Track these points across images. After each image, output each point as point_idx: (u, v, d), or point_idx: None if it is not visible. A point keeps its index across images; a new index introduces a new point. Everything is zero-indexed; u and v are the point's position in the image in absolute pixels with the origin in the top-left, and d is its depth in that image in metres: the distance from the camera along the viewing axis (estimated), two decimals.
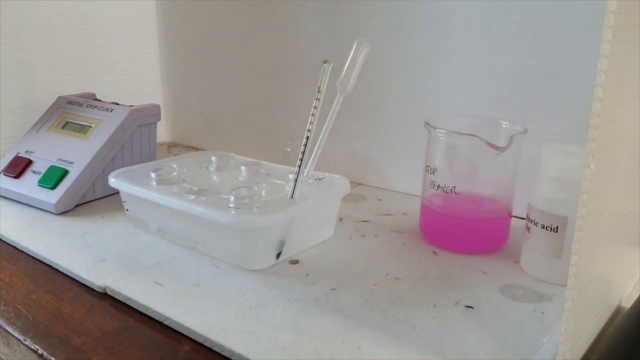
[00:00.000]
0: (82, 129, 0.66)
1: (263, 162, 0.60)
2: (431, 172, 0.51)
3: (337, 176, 0.54)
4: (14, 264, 0.50)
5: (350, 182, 0.54)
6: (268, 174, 0.57)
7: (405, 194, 0.67)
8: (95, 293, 0.45)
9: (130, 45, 0.85)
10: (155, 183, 0.54)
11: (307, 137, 0.49)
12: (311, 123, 0.49)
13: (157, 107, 0.69)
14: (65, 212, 0.60)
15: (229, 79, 0.83)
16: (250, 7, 0.77)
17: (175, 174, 0.55)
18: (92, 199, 0.63)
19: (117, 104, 0.69)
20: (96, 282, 0.45)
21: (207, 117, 0.88)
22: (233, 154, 0.63)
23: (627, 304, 0.41)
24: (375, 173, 0.70)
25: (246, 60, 0.80)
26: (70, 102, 0.70)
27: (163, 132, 0.93)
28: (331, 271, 0.47)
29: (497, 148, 0.46)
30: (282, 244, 0.48)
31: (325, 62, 0.48)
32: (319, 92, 0.48)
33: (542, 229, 0.44)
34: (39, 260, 0.50)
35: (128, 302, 0.43)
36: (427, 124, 0.51)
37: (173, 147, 0.91)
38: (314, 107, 0.48)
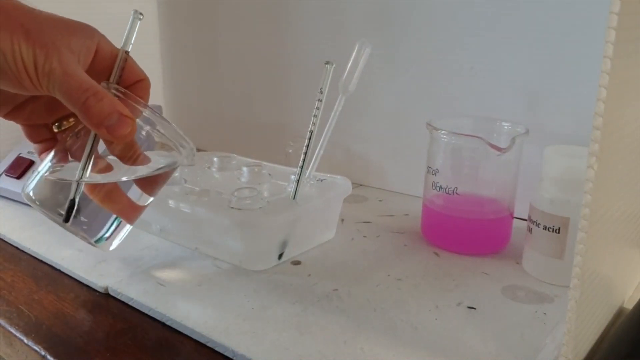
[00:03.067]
0: None
1: (265, 163, 0.60)
2: (433, 173, 0.51)
3: (339, 177, 0.54)
4: (16, 265, 0.50)
5: (352, 183, 0.54)
6: (269, 174, 0.57)
7: (406, 195, 0.67)
8: (97, 294, 0.45)
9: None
10: None
11: (309, 138, 0.49)
12: (313, 124, 0.49)
13: (159, 108, 0.69)
14: None
15: (230, 79, 0.83)
16: (251, 7, 0.77)
17: (177, 174, 0.55)
18: None
19: None
20: (98, 283, 0.45)
21: (208, 117, 0.88)
22: (235, 154, 0.63)
23: (630, 305, 0.41)
24: (376, 174, 0.70)
25: (247, 60, 0.80)
26: None
27: None
28: (333, 272, 0.47)
29: (498, 149, 0.46)
30: (284, 244, 0.48)
31: (327, 63, 0.48)
32: (321, 92, 0.48)
33: (544, 230, 0.44)
34: (41, 261, 0.50)
35: (130, 303, 0.43)
36: (428, 124, 0.51)
37: None
38: (316, 107, 0.48)
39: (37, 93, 0.35)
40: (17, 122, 0.40)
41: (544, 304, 0.42)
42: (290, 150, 0.67)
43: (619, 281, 0.39)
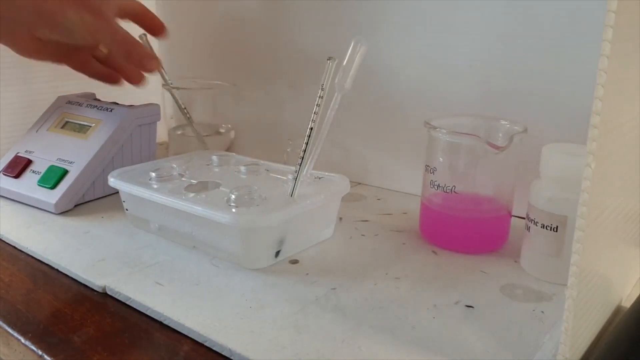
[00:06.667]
0: (82, 129, 0.65)
1: (262, 162, 0.60)
2: (431, 171, 0.51)
3: (337, 175, 0.54)
4: (13, 264, 0.50)
5: (350, 181, 0.54)
6: (267, 169, 0.57)
7: (405, 193, 0.67)
8: (95, 293, 0.45)
9: None
10: (155, 182, 0.54)
11: (309, 135, 0.49)
12: (313, 121, 0.49)
13: (157, 106, 0.69)
14: (65, 212, 0.60)
15: (229, 78, 0.83)
16: (250, 6, 0.77)
17: (175, 173, 0.55)
18: (91, 199, 0.63)
19: (117, 103, 0.68)
20: (96, 282, 0.45)
21: None
22: (234, 153, 0.63)
23: (627, 303, 0.41)
24: (375, 172, 0.70)
25: (246, 59, 0.80)
26: (69, 102, 0.70)
27: (163, 132, 0.93)
28: (331, 271, 0.47)
29: (497, 147, 0.46)
30: (281, 242, 0.48)
31: (329, 59, 0.48)
32: (322, 89, 0.48)
33: (542, 229, 0.44)
34: (39, 260, 0.50)
35: (128, 302, 0.43)
36: (426, 123, 0.50)
37: None
38: (317, 104, 0.48)
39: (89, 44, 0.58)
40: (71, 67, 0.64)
41: (542, 302, 0.42)
42: (288, 149, 0.67)
43: (616, 279, 0.39)
